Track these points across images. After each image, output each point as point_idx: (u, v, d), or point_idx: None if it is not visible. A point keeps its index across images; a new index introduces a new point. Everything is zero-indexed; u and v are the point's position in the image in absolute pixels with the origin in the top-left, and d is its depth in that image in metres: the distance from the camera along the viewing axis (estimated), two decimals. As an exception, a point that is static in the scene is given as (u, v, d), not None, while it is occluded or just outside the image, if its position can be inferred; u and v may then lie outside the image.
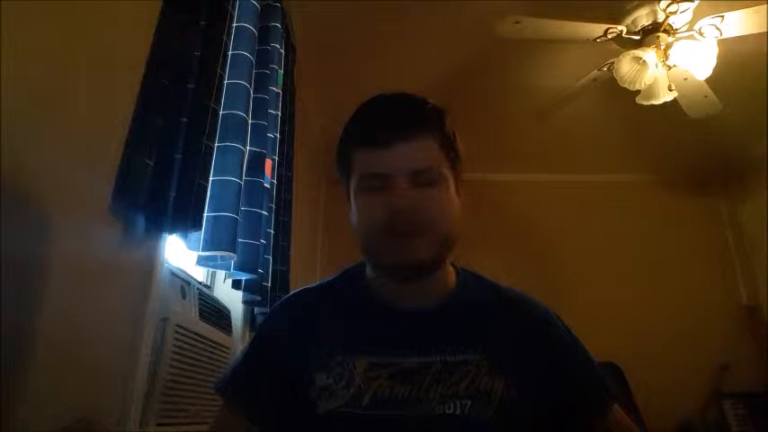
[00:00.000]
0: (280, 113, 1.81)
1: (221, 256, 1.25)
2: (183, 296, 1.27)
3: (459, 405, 0.67)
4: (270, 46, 1.68)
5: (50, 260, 0.78)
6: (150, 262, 1.07)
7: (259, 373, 0.77)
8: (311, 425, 0.70)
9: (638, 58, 2.07)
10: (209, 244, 1.20)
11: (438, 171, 0.72)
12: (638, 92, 2.24)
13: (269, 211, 1.64)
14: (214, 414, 0.83)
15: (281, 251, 1.79)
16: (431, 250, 0.71)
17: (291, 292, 0.88)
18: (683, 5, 2.02)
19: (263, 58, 1.62)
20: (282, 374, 0.75)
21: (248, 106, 1.42)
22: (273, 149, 1.73)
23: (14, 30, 0.69)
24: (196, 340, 1.26)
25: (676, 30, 2.13)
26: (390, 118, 0.72)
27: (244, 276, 1.46)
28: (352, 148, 0.75)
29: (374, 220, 0.71)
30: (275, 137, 1.75)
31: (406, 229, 0.69)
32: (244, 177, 1.37)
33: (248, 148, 1.44)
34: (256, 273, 1.44)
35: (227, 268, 1.35)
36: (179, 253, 1.33)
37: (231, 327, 1.58)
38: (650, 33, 2.14)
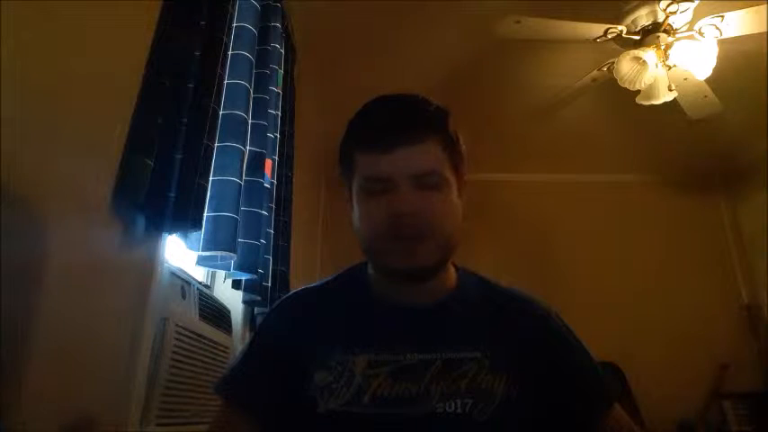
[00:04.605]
0: (280, 113, 1.81)
1: (221, 256, 1.25)
2: (183, 296, 1.27)
3: (460, 403, 0.67)
4: (270, 46, 1.68)
5: (50, 260, 0.78)
6: (150, 262, 1.07)
7: (259, 373, 0.77)
8: (311, 424, 0.70)
9: (638, 58, 2.07)
10: (209, 244, 1.20)
11: (441, 174, 0.72)
12: (638, 92, 2.24)
13: (269, 211, 1.64)
14: (214, 414, 0.83)
15: (281, 251, 1.79)
16: (433, 255, 0.71)
17: (291, 292, 0.87)
18: (683, 5, 2.02)
19: (263, 58, 1.62)
20: (282, 374, 0.74)
21: (248, 106, 1.42)
22: (273, 149, 1.73)
23: (14, 29, 0.69)
24: (196, 340, 1.26)
25: (676, 30, 2.13)
26: (393, 120, 0.72)
27: (244, 276, 1.46)
28: (355, 151, 0.74)
29: (376, 223, 0.71)
30: (275, 137, 1.75)
31: (409, 234, 0.69)
32: (244, 177, 1.37)
33: (248, 148, 1.44)
34: (256, 273, 1.44)
35: (227, 268, 1.35)
36: (179, 253, 1.33)
37: (231, 327, 1.58)
38: (650, 33, 2.14)
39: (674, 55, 2.07)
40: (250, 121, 1.45)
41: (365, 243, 0.74)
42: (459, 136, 0.76)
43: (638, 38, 2.17)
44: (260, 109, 1.57)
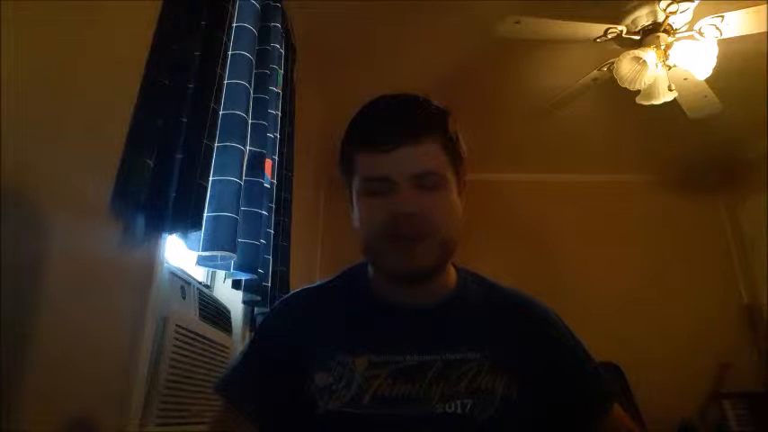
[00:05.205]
0: (280, 113, 1.81)
1: (221, 256, 1.25)
2: (183, 296, 1.27)
3: (459, 404, 0.67)
4: (270, 46, 1.68)
5: (50, 260, 0.78)
6: (150, 262, 1.07)
7: (259, 373, 0.77)
8: (311, 425, 0.70)
9: (638, 58, 2.07)
10: (209, 244, 1.20)
11: (441, 175, 0.72)
12: (638, 92, 2.24)
13: (269, 211, 1.64)
14: (213, 414, 0.83)
15: (281, 251, 1.79)
16: (432, 256, 0.71)
17: (291, 292, 0.87)
18: (683, 5, 2.02)
19: (263, 58, 1.62)
20: (282, 374, 0.74)
21: (248, 106, 1.42)
22: (273, 149, 1.73)
23: (15, 30, 0.69)
24: (196, 340, 1.26)
25: (676, 30, 2.13)
26: (394, 120, 0.72)
27: (244, 276, 1.46)
28: (355, 150, 0.74)
29: (376, 223, 0.71)
30: (275, 137, 1.75)
31: (408, 234, 0.69)
32: (244, 177, 1.37)
33: (248, 148, 1.44)
34: (256, 273, 1.44)
35: (227, 268, 1.35)
36: (179, 253, 1.33)
37: (231, 327, 1.58)
38: (650, 33, 2.14)
39: (674, 55, 2.07)
40: (250, 121, 1.44)
41: (365, 243, 0.74)
42: (459, 136, 0.76)
43: (638, 38, 2.17)
44: (260, 109, 1.57)
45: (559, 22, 2.04)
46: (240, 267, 1.38)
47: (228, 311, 1.58)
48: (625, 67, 2.10)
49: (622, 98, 2.34)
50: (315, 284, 0.85)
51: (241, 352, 0.82)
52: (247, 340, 0.95)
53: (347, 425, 0.68)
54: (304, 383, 0.71)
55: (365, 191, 0.73)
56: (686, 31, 2.12)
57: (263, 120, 1.58)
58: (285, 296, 0.88)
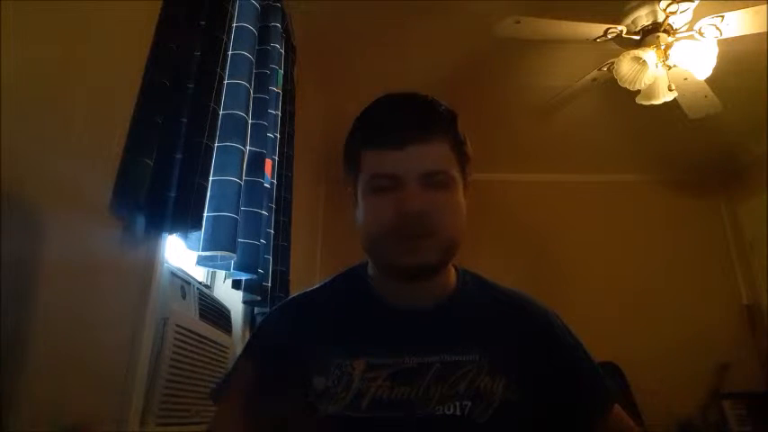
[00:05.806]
0: (280, 113, 1.81)
1: (221, 256, 1.25)
2: (183, 296, 1.27)
3: (459, 406, 0.67)
4: (270, 46, 1.68)
5: (50, 260, 0.78)
6: (150, 262, 1.07)
7: (256, 377, 0.77)
8: (310, 429, 0.70)
9: (638, 58, 2.07)
10: (209, 244, 1.20)
11: (449, 174, 0.71)
12: (638, 92, 2.24)
13: (269, 211, 1.64)
14: (212, 416, 0.83)
15: (281, 251, 1.79)
16: (437, 253, 0.71)
17: (290, 296, 0.87)
18: (683, 5, 2.02)
19: (263, 58, 1.62)
20: (281, 377, 0.74)
21: (248, 106, 1.42)
22: (273, 149, 1.73)
23: (15, 30, 0.69)
24: (196, 340, 1.26)
25: (676, 30, 2.13)
26: (405, 118, 0.72)
27: (244, 276, 1.46)
28: (362, 147, 0.74)
29: (383, 221, 0.70)
30: (275, 137, 1.75)
31: (415, 232, 0.69)
32: (244, 177, 1.37)
33: (248, 148, 1.44)
34: (256, 273, 1.44)
35: (227, 268, 1.35)
36: (179, 253, 1.33)
37: (231, 327, 1.58)
38: (650, 33, 2.14)
39: (674, 55, 2.07)
40: (250, 121, 1.45)
41: (369, 240, 0.73)
42: (466, 137, 0.76)
43: (638, 38, 2.17)
44: (260, 109, 1.57)
45: (559, 22, 2.04)
46: (240, 267, 1.38)
47: (228, 311, 1.58)
48: (625, 67, 2.10)
49: (622, 98, 2.34)
50: (313, 287, 0.85)
51: (239, 355, 0.82)
52: (245, 344, 0.95)
53: (346, 428, 0.67)
54: (302, 387, 0.71)
55: (372, 188, 0.72)
56: (686, 31, 2.12)
57: (263, 120, 1.58)
58: (282, 301, 0.88)
